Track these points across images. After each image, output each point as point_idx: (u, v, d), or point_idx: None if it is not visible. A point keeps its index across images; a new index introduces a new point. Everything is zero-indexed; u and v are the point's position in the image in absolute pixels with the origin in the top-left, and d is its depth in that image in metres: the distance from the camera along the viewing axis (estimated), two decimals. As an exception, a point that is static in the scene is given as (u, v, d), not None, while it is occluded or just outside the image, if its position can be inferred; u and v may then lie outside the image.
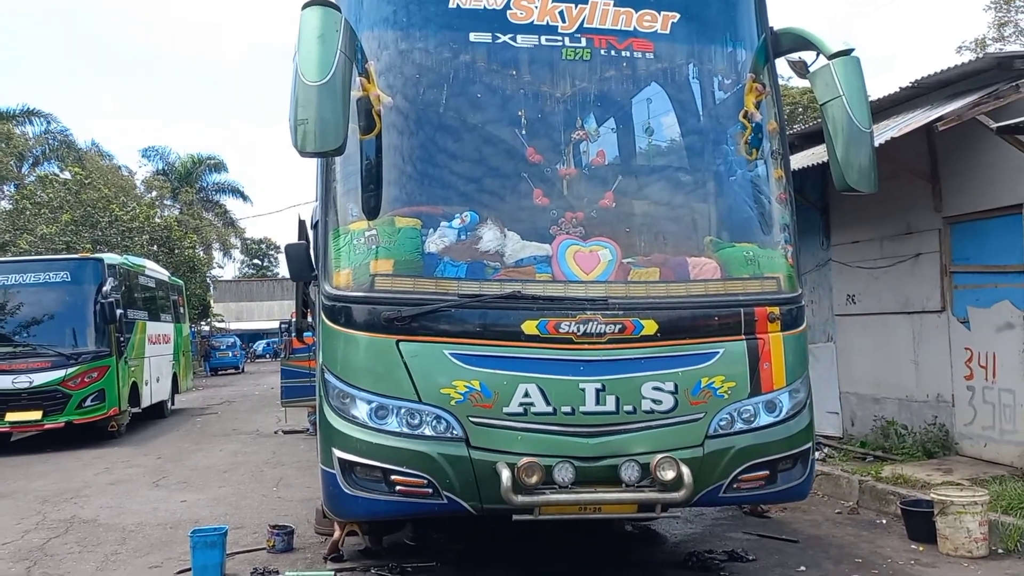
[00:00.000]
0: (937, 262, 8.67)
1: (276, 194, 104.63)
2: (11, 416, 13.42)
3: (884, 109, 8.96)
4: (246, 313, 55.80)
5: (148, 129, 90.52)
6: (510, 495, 4.24)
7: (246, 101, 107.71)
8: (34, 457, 12.84)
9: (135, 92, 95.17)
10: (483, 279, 4.58)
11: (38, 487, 10.16)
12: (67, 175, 29.86)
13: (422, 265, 4.61)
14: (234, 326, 49.67)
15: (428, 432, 4.40)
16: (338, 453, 4.46)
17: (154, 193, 39.08)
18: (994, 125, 6.95)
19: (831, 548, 6.36)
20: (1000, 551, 6.02)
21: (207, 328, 40.42)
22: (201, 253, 36.92)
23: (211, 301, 41.45)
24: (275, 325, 46.41)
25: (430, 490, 4.39)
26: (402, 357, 4.41)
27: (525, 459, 4.29)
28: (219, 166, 45.39)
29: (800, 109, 26.84)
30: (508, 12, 4.81)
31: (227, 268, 55.45)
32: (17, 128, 33.67)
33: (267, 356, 52.97)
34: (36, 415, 13.49)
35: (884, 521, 7.08)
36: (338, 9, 4.30)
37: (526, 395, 4.42)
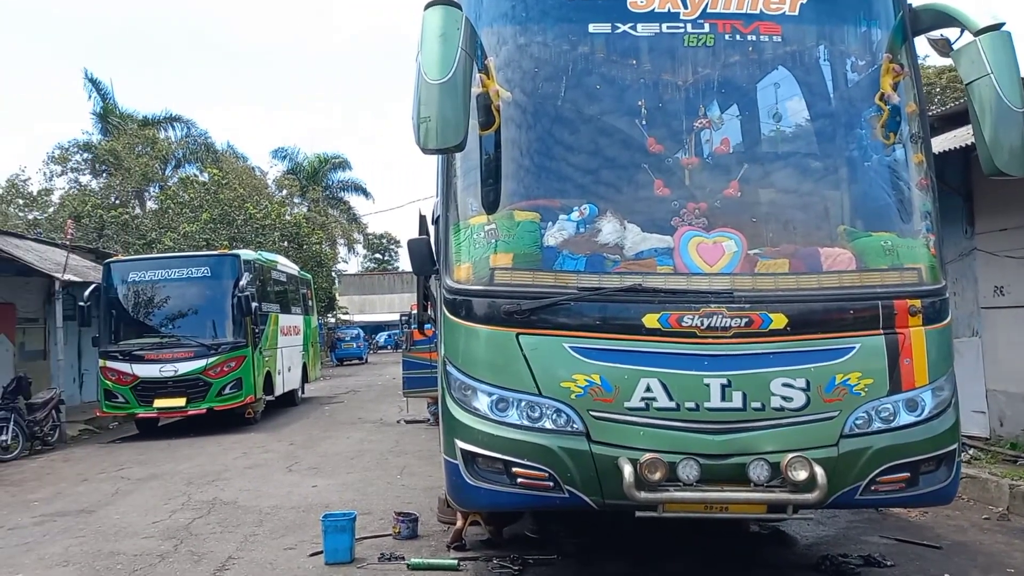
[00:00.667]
0: (1098, 250, 7.96)
1: (395, 189, 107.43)
2: (158, 403, 14.44)
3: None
4: (368, 306, 57.66)
5: (272, 123, 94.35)
6: (633, 491, 4.18)
7: (363, 90, 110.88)
8: (180, 441, 13.74)
9: (257, 89, 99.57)
10: (603, 272, 4.52)
11: (184, 469, 10.85)
12: (206, 176, 31.72)
13: (541, 258, 4.60)
14: (357, 318, 51.44)
15: (548, 425, 4.39)
16: (461, 444, 4.52)
17: (284, 192, 40.91)
18: None
19: (979, 556, 5.96)
20: None
21: (332, 320, 42.02)
22: (327, 248, 38.34)
23: (336, 294, 43.08)
24: (396, 317, 47.74)
25: (551, 483, 4.38)
26: (522, 350, 4.42)
27: (648, 455, 4.22)
28: (343, 164, 47.01)
29: (937, 90, 25.23)
30: (628, 1, 4.72)
31: (350, 262, 57.41)
32: (160, 133, 36.07)
33: (388, 347, 54.62)
34: (180, 402, 14.44)
35: (1038, 529, 6.58)
36: (459, 7, 4.33)
37: (648, 390, 4.34)
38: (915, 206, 4.79)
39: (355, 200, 48.41)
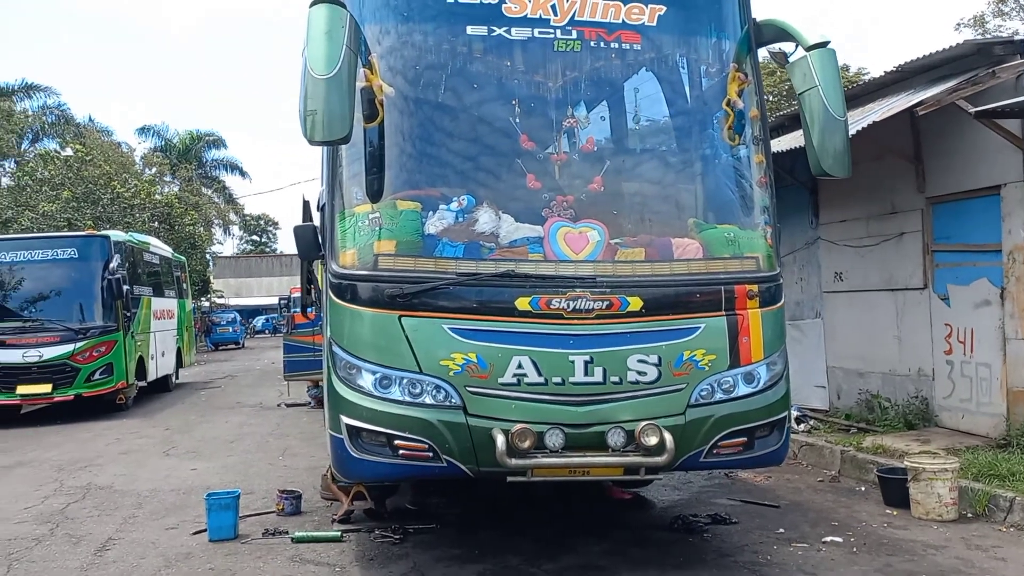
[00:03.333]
0: (920, 241, 8.98)
1: (274, 169, 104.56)
2: (22, 389, 13.83)
3: (869, 92, 9.26)
4: (245, 289, 56.23)
5: (142, 102, 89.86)
6: (505, 458, 4.58)
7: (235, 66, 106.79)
8: (46, 428, 13.23)
9: (124, 65, 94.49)
10: (479, 259, 4.88)
11: (53, 456, 10.54)
12: (68, 152, 30.05)
13: (422, 246, 4.92)
14: (233, 302, 50.09)
15: (429, 401, 4.72)
16: (346, 420, 4.80)
17: (153, 170, 39.22)
18: (972, 110, 7.23)
19: (810, 512, 6.74)
20: (969, 515, 6.40)
21: (207, 304, 40.77)
22: (201, 230, 37.10)
23: (211, 277, 41.79)
24: (274, 301, 46.90)
25: (431, 454, 4.72)
26: (404, 331, 4.73)
27: (519, 425, 4.63)
28: (218, 142, 45.54)
29: (786, 88, 26.88)
30: (503, 6, 5.07)
31: (226, 244, 55.73)
32: (17, 104, 33.82)
33: (266, 332, 53.46)
34: (46, 388, 13.89)
35: (863, 489, 7.46)
36: (343, 6, 4.56)
37: (519, 367, 4.75)
38: (755, 202, 5.39)
39: (231, 180, 47.10)
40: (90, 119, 38.09)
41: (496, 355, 4.74)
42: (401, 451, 4.74)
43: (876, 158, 8.96)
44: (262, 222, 64.76)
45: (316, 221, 6.47)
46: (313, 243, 5.31)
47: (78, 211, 25.47)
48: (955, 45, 7.85)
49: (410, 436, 4.71)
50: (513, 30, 5.09)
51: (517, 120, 5.10)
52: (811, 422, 9.68)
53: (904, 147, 8.89)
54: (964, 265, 8.49)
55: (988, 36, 25.45)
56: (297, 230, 5.37)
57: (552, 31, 5.12)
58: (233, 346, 40.15)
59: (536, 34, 5.11)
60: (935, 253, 8.86)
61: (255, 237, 65.95)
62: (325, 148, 5.20)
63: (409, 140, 5.17)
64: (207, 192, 44.08)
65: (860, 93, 9.43)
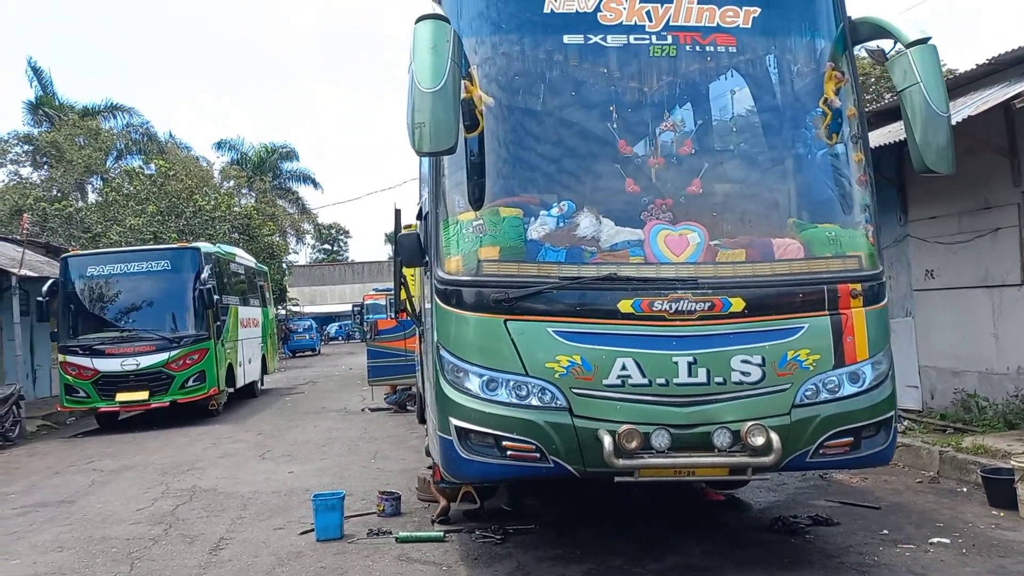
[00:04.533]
0: (1016, 236, 8.73)
1: (345, 179, 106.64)
2: (121, 396, 14.48)
3: (961, 86, 9.04)
4: (319, 297, 57.49)
5: (218, 116, 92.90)
6: (612, 459, 4.66)
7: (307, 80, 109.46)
8: (145, 434, 13.84)
9: (202, 82, 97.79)
10: (581, 262, 4.98)
11: (155, 460, 11.04)
12: (152, 168, 31.28)
13: (525, 251, 5.04)
14: (308, 309, 51.30)
15: (535, 402, 4.84)
16: (455, 421, 4.94)
17: (231, 183, 40.48)
18: (1073, 99, 7.02)
19: (912, 514, 6.62)
20: (1081, 517, 6.20)
21: (283, 312, 41.86)
22: (278, 239, 38.15)
23: (287, 286, 42.91)
24: (346, 308, 47.90)
25: (538, 455, 4.84)
26: (510, 335, 4.86)
27: (625, 426, 4.70)
28: (291, 154, 46.69)
29: (872, 80, 26.24)
30: (599, 14, 5.18)
31: (300, 253, 57.08)
32: (103, 123, 35.39)
33: (340, 338, 54.62)
34: (143, 395, 14.54)
35: (965, 490, 7.28)
36: (447, 20, 4.73)
37: (623, 368, 4.82)
38: (855, 200, 5.36)
39: (304, 190, 48.21)
40: (171, 135, 39.56)
41: (600, 357, 4.83)
42: (509, 452, 4.86)
43: (969, 152, 8.69)
44: (333, 231, 66.14)
45: (407, 230, 6.68)
46: (417, 250, 5.48)
47: (163, 224, 26.51)
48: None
49: (517, 437, 4.83)
50: (609, 37, 5.18)
51: (615, 126, 5.18)
52: (905, 422, 9.48)
53: (998, 141, 8.66)
54: (1066, 260, 8.22)
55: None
56: (402, 238, 5.55)
57: (647, 37, 5.20)
58: (310, 352, 41.14)
59: (632, 40, 5.19)
60: (1034, 248, 8.59)
61: (327, 246, 67.39)
62: (427, 158, 5.38)
63: (509, 148, 5.30)
64: (282, 203, 45.24)
65: (951, 87, 9.18)
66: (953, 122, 7.08)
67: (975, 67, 8.68)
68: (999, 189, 8.87)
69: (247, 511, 7.78)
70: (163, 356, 14.57)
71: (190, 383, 14.77)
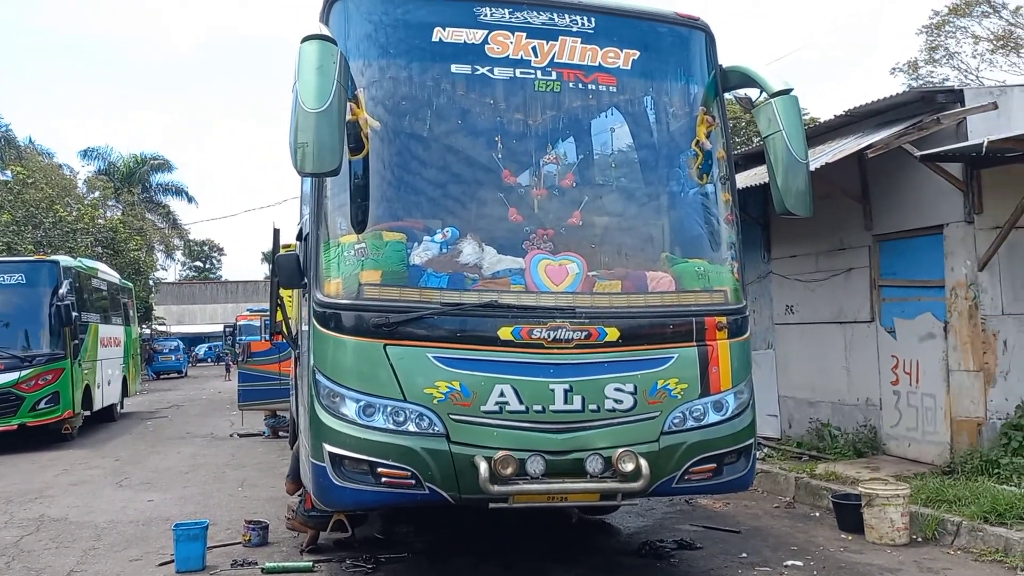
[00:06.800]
0: (867, 276, 9.41)
1: (222, 193, 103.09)
2: (-39, 418, 13.34)
3: (820, 134, 9.72)
4: (188, 316, 55.10)
5: (87, 126, 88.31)
6: (487, 485, 4.68)
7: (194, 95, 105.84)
8: (-14, 460, 12.79)
9: (70, 87, 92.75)
10: (463, 289, 5.01)
11: (-2, 488, 10.22)
12: (8, 175, 29.26)
13: (407, 276, 5.02)
14: (175, 329, 49.03)
15: (412, 428, 4.80)
16: (328, 448, 4.84)
17: (96, 193, 38.32)
18: (918, 153, 7.68)
19: (770, 537, 6.96)
20: (919, 539, 6.69)
21: (149, 331, 39.83)
22: (145, 255, 36.35)
23: (153, 304, 40.90)
24: (217, 328, 46.03)
25: (413, 481, 4.79)
26: (389, 360, 4.82)
27: (501, 452, 4.74)
28: (163, 166, 44.66)
29: (743, 124, 27.80)
30: (486, 46, 5.27)
31: (169, 270, 54.55)
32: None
33: (209, 360, 52.41)
34: (-12, 417, 13.44)
35: (817, 514, 7.73)
36: (334, 42, 4.70)
37: (501, 395, 4.87)
38: (723, 237, 5.65)
39: (177, 204, 46.17)
40: (30, 140, 37.14)
41: (479, 383, 4.86)
42: (384, 479, 4.80)
43: (825, 197, 9.31)
44: (206, 248, 63.67)
45: (286, 250, 6.54)
46: (296, 272, 5.37)
47: (19, 235, 24.81)
48: (901, 92, 8.34)
49: (393, 464, 4.78)
50: (496, 69, 5.28)
51: (499, 155, 5.27)
52: (764, 450, 9.98)
53: (852, 187, 9.34)
54: (909, 300, 8.92)
55: (922, 81, 26.81)
56: (280, 259, 5.43)
57: (533, 72, 5.33)
58: (176, 375, 39.30)
59: (518, 74, 5.31)
60: (882, 288, 9.28)
61: (198, 263, 64.76)
62: (309, 179, 5.30)
63: (394, 173, 5.29)
64: (151, 217, 43.18)
65: (811, 135, 9.86)
66: (812, 168, 7.60)
67: (833, 117, 9.36)
68: (853, 232, 9.55)
69: (101, 542, 7.31)
70: (13, 376, 13.54)
71: (42, 405, 13.80)
